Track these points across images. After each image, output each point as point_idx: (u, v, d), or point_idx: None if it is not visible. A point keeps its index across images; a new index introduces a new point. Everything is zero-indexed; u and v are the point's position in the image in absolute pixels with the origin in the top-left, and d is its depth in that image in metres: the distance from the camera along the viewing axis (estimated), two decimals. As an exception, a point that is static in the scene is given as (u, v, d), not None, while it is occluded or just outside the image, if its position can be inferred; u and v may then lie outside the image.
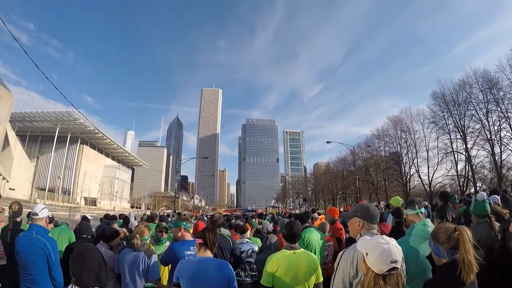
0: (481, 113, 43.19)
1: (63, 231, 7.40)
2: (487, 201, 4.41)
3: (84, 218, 8.78)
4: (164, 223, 6.95)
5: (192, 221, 6.74)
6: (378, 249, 1.98)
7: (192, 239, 4.63)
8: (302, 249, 3.94)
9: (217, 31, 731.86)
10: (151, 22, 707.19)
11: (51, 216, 6.54)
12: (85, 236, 5.90)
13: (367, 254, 2.06)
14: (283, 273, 3.59)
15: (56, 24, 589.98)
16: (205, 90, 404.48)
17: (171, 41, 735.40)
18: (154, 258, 4.37)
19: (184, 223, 4.82)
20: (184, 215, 6.69)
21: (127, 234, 7.06)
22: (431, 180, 49.83)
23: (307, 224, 5.70)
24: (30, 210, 4.73)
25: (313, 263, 3.71)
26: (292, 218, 7.14)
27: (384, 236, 2.15)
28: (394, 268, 1.96)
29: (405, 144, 55.04)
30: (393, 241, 2.05)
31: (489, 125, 42.16)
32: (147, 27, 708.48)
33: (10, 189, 56.24)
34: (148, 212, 59.24)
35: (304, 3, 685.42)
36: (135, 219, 12.92)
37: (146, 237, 4.48)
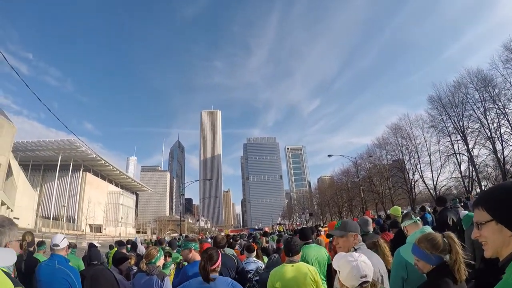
0: (479, 112, 43.10)
1: (72, 259, 7.30)
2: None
3: (92, 245, 8.83)
4: (168, 247, 7.04)
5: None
6: (348, 267, 2.22)
7: None
8: (300, 262, 4.17)
9: (211, 52, 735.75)
10: (146, 46, 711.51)
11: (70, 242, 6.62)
12: (96, 262, 5.97)
13: (339, 271, 2.30)
14: (284, 285, 3.82)
15: (54, 53, 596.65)
16: (205, 112, 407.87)
17: (167, 65, 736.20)
18: (167, 280, 4.46)
19: (193, 244, 4.91)
20: (189, 236, 6.84)
21: (135, 259, 7.18)
22: (436, 184, 49.41)
23: (310, 240, 5.78)
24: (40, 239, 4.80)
25: (312, 274, 3.91)
26: (292, 235, 7.41)
27: (354, 253, 2.39)
28: (365, 282, 2.20)
29: (407, 150, 54.88)
30: (361, 257, 2.28)
31: (488, 123, 42.05)
32: (142, 52, 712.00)
33: (14, 218, 55.67)
34: (154, 237, 59.09)
35: (294, 20, 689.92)
36: (141, 244, 12.99)
37: (154, 260, 4.54)
